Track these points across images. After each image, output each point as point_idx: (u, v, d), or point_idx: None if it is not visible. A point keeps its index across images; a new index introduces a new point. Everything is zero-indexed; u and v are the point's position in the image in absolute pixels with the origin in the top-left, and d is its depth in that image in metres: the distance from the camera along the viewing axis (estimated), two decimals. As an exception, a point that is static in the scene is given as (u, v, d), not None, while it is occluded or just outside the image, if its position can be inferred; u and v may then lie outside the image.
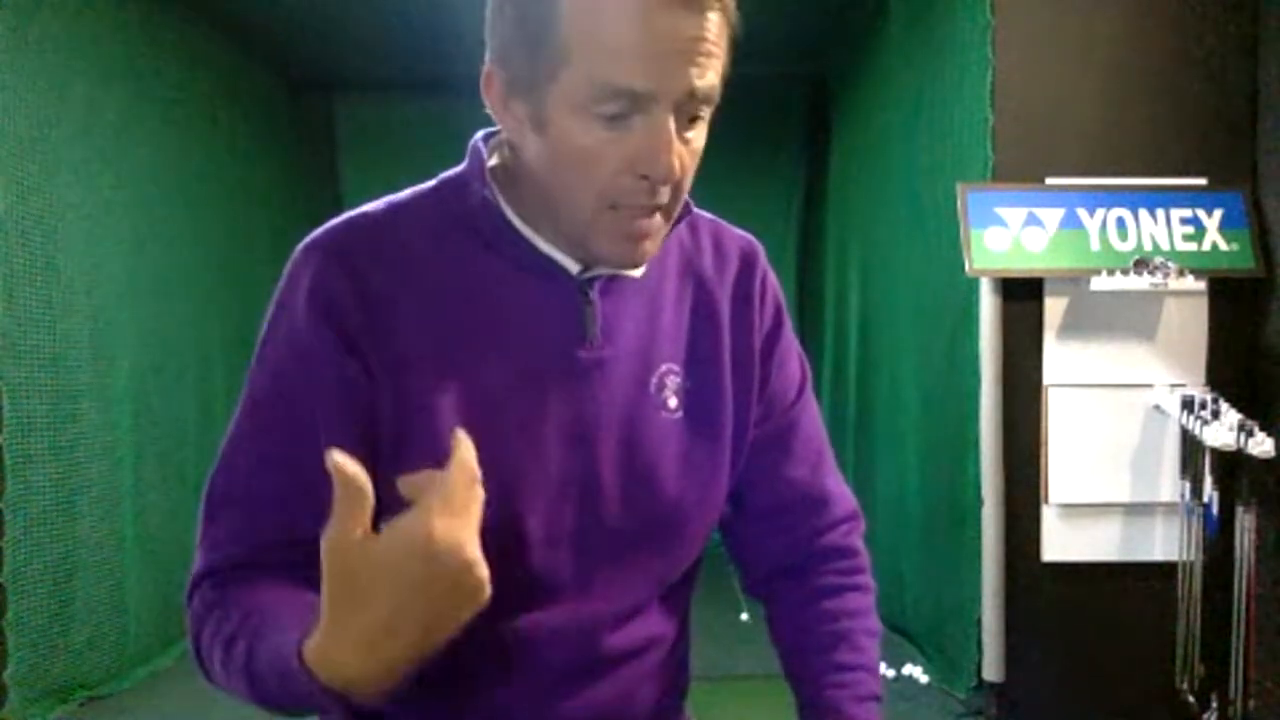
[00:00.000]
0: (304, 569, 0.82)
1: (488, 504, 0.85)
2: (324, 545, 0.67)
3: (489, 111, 0.86)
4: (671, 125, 0.79)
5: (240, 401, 0.86)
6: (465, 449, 0.69)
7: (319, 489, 0.82)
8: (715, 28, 0.79)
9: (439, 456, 0.81)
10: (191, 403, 3.96)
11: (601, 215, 0.82)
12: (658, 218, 0.83)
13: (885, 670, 3.31)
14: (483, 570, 0.68)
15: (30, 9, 3.04)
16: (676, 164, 0.79)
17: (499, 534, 0.85)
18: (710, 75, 0.79)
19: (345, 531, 0.66)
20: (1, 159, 2.92)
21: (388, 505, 0.85)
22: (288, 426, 0.83)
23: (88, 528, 3.27)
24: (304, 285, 0.84)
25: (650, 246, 0.85)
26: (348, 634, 0.68)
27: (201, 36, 4.17)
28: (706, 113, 0.82)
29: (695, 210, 0.98)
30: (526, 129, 0.83)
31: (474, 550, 0.67)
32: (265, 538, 0.83)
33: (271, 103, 4.94)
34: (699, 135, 0.83)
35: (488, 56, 0.84)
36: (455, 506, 0.67)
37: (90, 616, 3.26)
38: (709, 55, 0.79)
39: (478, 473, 0.70)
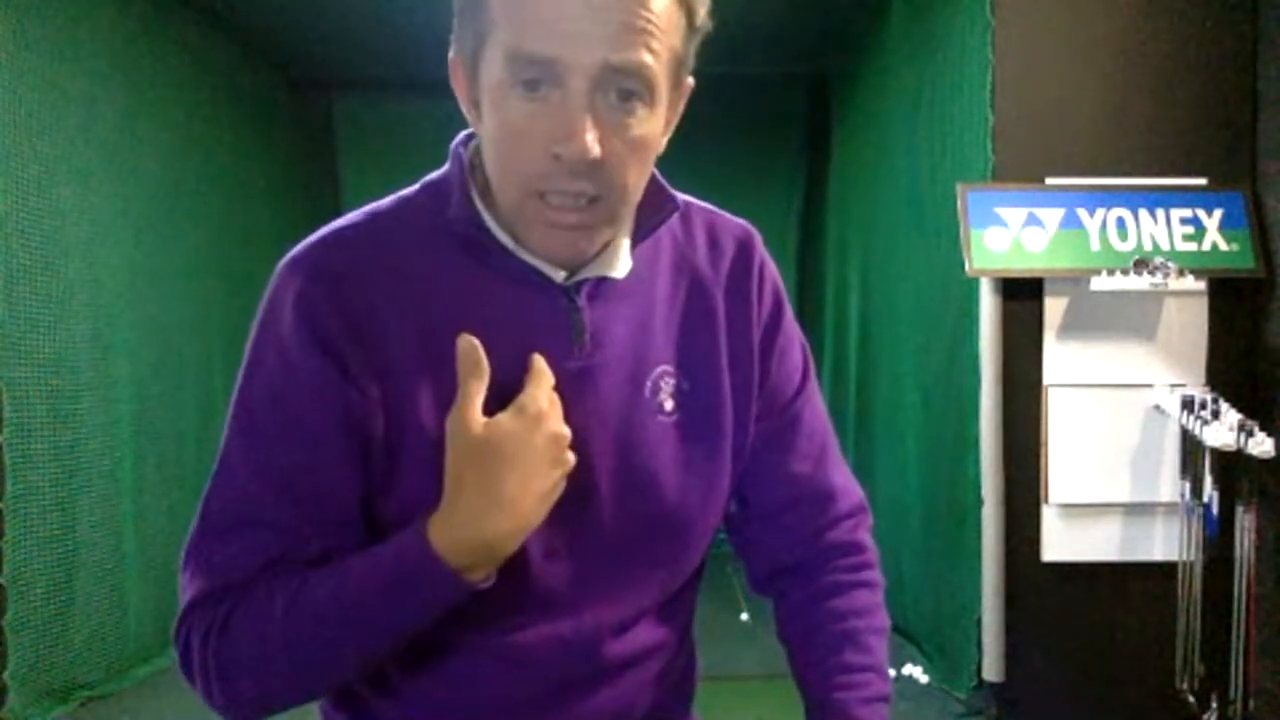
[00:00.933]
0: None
1: None
2: (455, 426, 0.78)
3: (461, 104, 0.85)
4: (585, 103, 0.75)
5: (231, 419, 0.84)
6: (538, 361, 0.82)
7: (321, 503, 0.82)
8: (651, 2, 0.76)
9: (431, 469, 0.81)
10: (191, 403, 3.95)
11: (528, 203, 0.80)
12: (592, 213, 0.80)
13: (885, 670, 3.31)
14: (568, 440, 0.81)
15: (30, 9, 3.04)
16: (593, 145, 0.75)
17: None
18: (638, 52, 0.75)
19: (475, 409, 0.78)
20: (1, 159, 2.91)
21: (382, 518, 0.84)
22: (285, 442, 0.81)
23: (88, 528, 3.26)
24: (288, 303, 0.82)
25: (584, 242, 0.82)
26: (480, 500, 0.77)
27: (201, 36, 4.16)
28: (645, 96, 0.78)
29: (687, 200, 0.96)
30: (476, 119, 0.83)
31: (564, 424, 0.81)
32: (269, 557, 0.81)
33: (271, 103, 4.94)
34: (639, 123, 0.78)
35: (450, 47, 0.84)
36: (551, 396, 0.81)
37: (90, 616, 3.26)
38: (631, 29, 0.75)
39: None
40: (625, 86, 0.76)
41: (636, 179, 0.82)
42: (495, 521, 0.77)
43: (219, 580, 0.81)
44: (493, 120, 0.79)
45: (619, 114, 0.77)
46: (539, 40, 0.74)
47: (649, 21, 0.76)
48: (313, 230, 0.87)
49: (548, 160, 0.77)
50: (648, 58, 0.76)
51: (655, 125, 0.81)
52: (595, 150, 0.76)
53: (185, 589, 0.82)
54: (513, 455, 0.78)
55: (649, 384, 0.90)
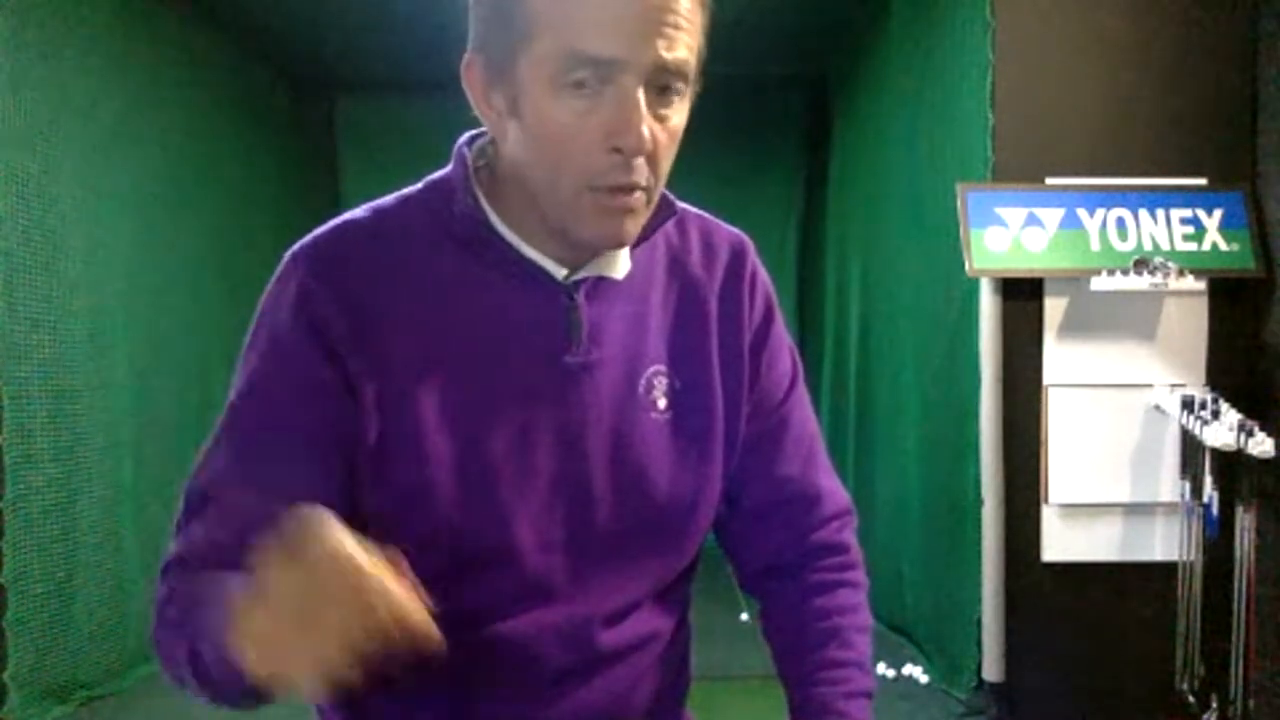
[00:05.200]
0: None
1: (481, 512, 0.86)
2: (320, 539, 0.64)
3: (471, 104, 0.87)
4: (641, 96, 0.78)
5: (226, 402, 0.87)
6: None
7: (291, 490, 0.83)
8: (686, 2, 0.79)
9: (423, 464, 0.83)
10: (191, 403, 3.95)
11: (581, 197, 0.81)
12: (638, 196, 0.82)
13: (886, 670, 3.31)
14: (378, 579, 0.63)
15: (30, 9, 3.04)
16: (648, 136, 0.79)
17: (491, 539, 0.86)
18: (681, 49, 0.79)
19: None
20: (2, 159, 2.91)
21: (368, 510, 0.86)
22: (264, 429, 0.84)
23: (88, 528, 3.26)
24: (289, 293, 0.84)
25: (632, 226, 0.84)
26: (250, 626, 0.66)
27: (202, 36, 4.17)
28: (681, 90, 0.82)
29: (684, 207, 0.98)
30: (505, 117, 0.84)
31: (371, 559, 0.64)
32: (235, 539, 0.80)
33: (271, 103, 4.94)
34: (676, 113, 0.82)
35: (469, 45, 0.85)
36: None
37: (90, 616, 3.25)
38: (677, 27, 0.78)
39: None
40: (667, 81, 0.80)
41: (669, 168, 0.85)
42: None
43: (182, 555, 0.85)
44: (539, 120, 0.81)
45: (660, 107, 0.81)
46: (597, 41, 0.77)
47: (688, 20, 0.80)
48: (312, 230, 0.89)
49: (605, 154, 0.80)
50: (687, 54, 0.80)
51: (684, 116, 0.84)
52: (650, 143, 0.80)
53: (166, 554, 0.87)
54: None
55: (643, 382, 0.92)
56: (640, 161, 0.80)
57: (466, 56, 0.85)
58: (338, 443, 0.83)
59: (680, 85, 0.81)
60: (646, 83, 0.79)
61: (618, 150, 0.79)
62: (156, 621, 0.83)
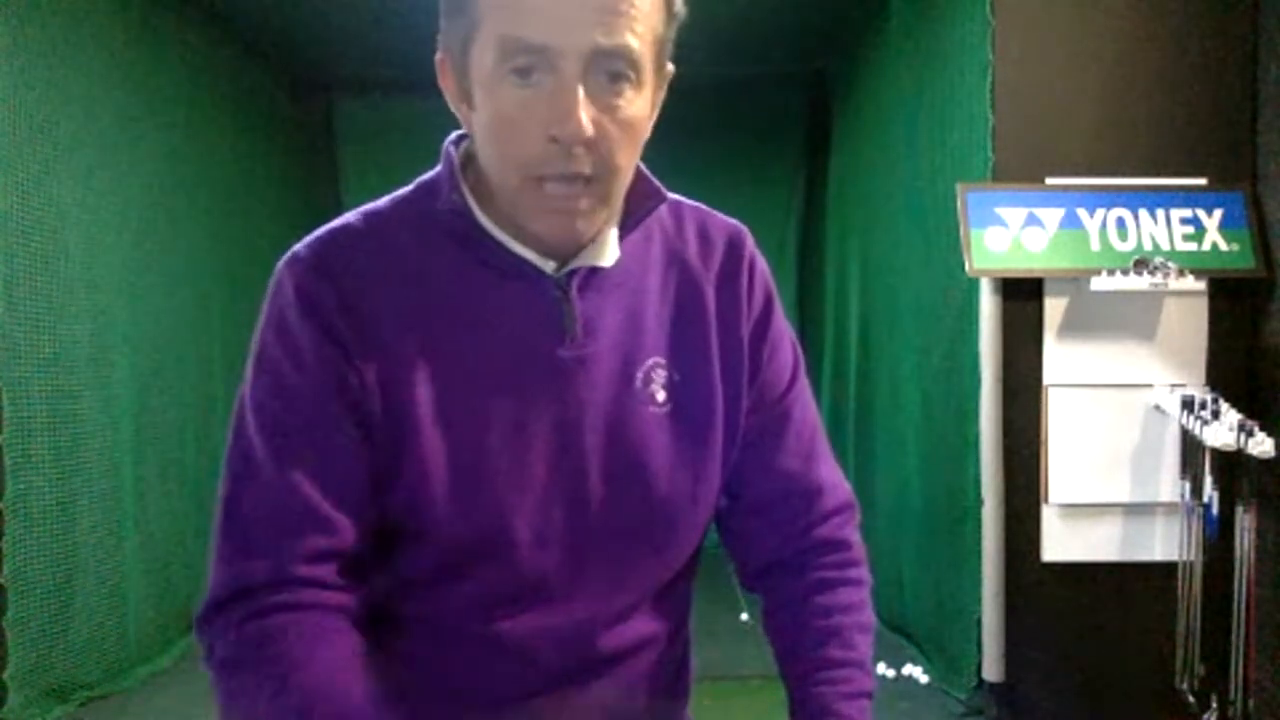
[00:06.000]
0: (332, 589, 0.83)
1: (475, 507, 0.85)
2: None
3: (449, 103, 0.87)
4: (578, 84, 0.78)
5: (249, 414, 0.84)
6: None
7: (348, 489, 0.83)
8: None
9: (421, 460, 0.83)
10: (191, 403, 3.95)
11: (526, 189, 0.81)
12: (587, 195, 0.82)
13: (886, 670, 3.31)
14: None
15: (30, 10, 3.04)
16: (587, 124, 0.78)
17: (487, 536, 0.85)
18: (623, 35, 0.78)
19: None
20: (2, 159, 2.91)
21: (387, 512, 0.86)
22: (298, 430, 0.83)
23: (88, 528, 3.26)
24: (290, 294, 0.84)
25: (583, 224, 0.84)
26: None
27: (201, 36, 4.17)
28: (633, 78, 0.80)
29: (680, 199, 0.97)
30: (469, 112, 0.84)
31: None
32: (294, 549, 0.81)
33: (272, 103, 4.94)
34: (629, 103, 0.81)
35: (439, 44, 0.86)
36: None
37: (90, 616, 3.25)
38: (618, 14, 0.78)
39: None
40: (613, 69, 0.79)
41: (627, 160, 0.84)
42: None
43: (245, 576, 0.82)
44: (486, 110, 0.81)
45: (609, 95, 0.80)
46: (531, 27, 0.77)
47: (632, 5, 0.79)
48: (312, 231, 0.89)
49: (544, 143, 0.79)
50: (633, 40, 0.79)
51: (642, 107, 0.83)
52: (589, 129, 0.78)
53: (215, 583, 0.83)
54: None
55: (640, 375, 0.91)
56: (580, 151, 0.79)
57: (438, 56, 0.86)
58: (363, 432, 0.84)
59: (630, 73, 0.80)
60: (589, 71, 0.78)
61: (555, 139, 0.79)
62: (219, 691, 0.81)
